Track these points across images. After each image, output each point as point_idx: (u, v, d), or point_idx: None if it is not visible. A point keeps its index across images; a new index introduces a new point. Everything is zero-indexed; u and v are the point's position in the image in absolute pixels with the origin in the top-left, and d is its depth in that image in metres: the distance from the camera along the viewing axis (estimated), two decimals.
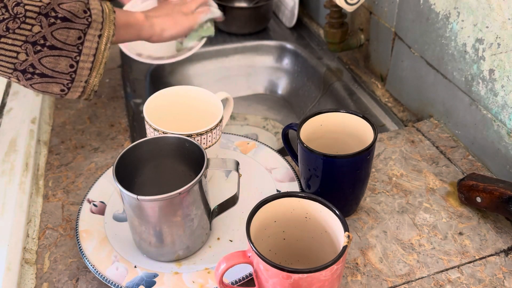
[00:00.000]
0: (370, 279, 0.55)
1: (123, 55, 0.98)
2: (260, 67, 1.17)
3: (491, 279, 0.54)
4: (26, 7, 0.58)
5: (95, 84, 0.66)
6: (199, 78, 1.14)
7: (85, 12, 0.62)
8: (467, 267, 0.56)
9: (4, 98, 0.85)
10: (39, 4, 0.59)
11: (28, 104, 0.82)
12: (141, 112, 0.91)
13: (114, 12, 0.67)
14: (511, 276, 0.54)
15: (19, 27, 0.58)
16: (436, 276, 0.55)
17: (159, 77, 1.07)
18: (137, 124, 0.88)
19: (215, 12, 0.83)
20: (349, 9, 0.84)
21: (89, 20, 0.62)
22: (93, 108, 0.86)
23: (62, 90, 0.64)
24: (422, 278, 0.55)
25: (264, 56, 1.17)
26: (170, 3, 0.78)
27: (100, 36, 0.64)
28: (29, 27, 0.59)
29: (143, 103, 0.93)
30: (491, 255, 0.57)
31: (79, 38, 0.62)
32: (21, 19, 0.58)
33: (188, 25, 0.79)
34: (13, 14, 0.58)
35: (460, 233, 0.60)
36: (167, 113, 0.64)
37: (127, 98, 0.91)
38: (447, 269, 0.56)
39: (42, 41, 0.60)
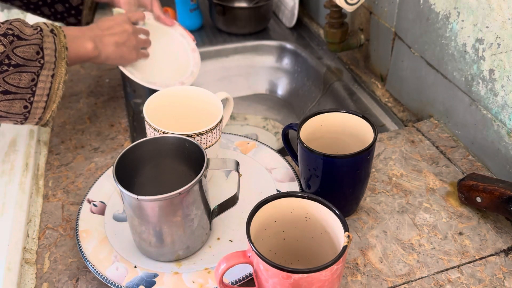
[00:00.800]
0: (370, 279, 0.55)
1: None
2: (260, 67, 1.17)
3: (491, 279, 0.54)
4: None
5: (48, 119, 0.68)
6: (199, 78, 1.13)
7: (38, 53, 0.63)
8: (467, 267, 0.56)
9: None
10: None
11: None
12: (141, 112, 0.91)
13: (67, 48, 0.67)
14: (511, 276, 0.54)
15: None
16: (436, 276, 0.55)
17: None
18: (137, 124, 0.88)
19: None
20: (349, 9, 0.84)
21: (42, 62, 0.64)
22: (93, 108, 0.86)
23: (15, 123, 0.66)
24: (422, 278, 0.55)
25: (264, 56, 1.17)
26: (125, 31, 0.77)
27: (53, 75, 0.65)
28: None
29: (143, 103, 0.93)
30: (491, 255, 0.57)
31: (32, 80, 0.63)
32: None
33: (132, 61, 0.79)
34: None
35: (460, 233, 0.60)
36: (167, 113, 0.64)
37: (127, 98, 0.91)
38: (447, 269, 0.56)
39: (6, 61, 0.60)
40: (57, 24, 0.70)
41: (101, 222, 0.60)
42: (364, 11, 0.93)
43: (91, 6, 0.87)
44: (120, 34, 0.76)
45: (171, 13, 1.19)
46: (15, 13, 1.14)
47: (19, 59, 0.61)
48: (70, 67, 0.71)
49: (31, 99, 0.64)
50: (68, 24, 0.87)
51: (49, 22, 0.69)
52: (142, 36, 0.81)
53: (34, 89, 0.64)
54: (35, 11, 0.84)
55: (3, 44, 0.60)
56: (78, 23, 0.86)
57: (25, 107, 0.64)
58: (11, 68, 0.61)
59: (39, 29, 0.65)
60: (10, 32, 0.61)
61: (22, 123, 0.66)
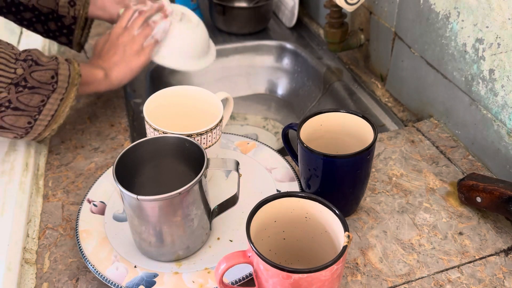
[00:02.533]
0: (370, 279, 0.55)
1: None
2: (260, 67, 1.17)
3: (491, 279, 0.54)
4: (0, 78, 0.62)
5: (46, 137, 0.71)
6: (199, 78, 1.14)
7: (52, 78, 0.67)
8: (467, 267, 0.56)
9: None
10: (13, 76, 0.63)
11: None
12: (141, 112, 0.91)
13: (80, 75, 0.70)
14: (511, 276, 0.54)
15: None
16: (436, 276, 0.55)
17: (159, 77, 1.07)
18: (137, 124, 0.88)
19: (161, 31, 0.82)
20: (349, 9, 0.84)
21: (55, 86, 0.67)
22: (93, 108, 0.86)
23: (15, 137, 0.68)
24: (422, 278, 0.55)
25: (264, 56, 1.17)
26: (120, 44, 0.78)
27: (62, 99, 0.68)
28: None
29: (143, 103, 0.93)
30: (491, 255, 0.57)
31: (42, 101, 0.66)
32: None
33: (141, 65, 0.79)
34: None
35: (460, 233, 0.60)
36: (167, 113, 0.64)
37: (127, 98, 0.91)
38: (447, 269, 0.56)
39: (7, 104, 0.63)
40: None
41: (101, 222, 0.60)
42: (364, 11, 0.93)
43: (84, 26, 0.87)
44: (115, 52, 0.78)
45: None
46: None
47: (35, 82, 0.65)
48: (82, 94, 0.74)
49: (36, 117, 0.67)
50: (60, 43, 0.88)
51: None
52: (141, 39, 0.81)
53: (41, 109, 0.67)
54: (29, 27, 0.84)
55: (22, 68, 0.64)
56: (69, 43, 0.87)
57: (29, 122, 0.67)
58: (26, 90, 0.64)
59: (54, 57, 0.69)
60: (29, 58, 0.65)
61: (21, 137, 0.68)
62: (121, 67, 0.78)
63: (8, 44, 0.66)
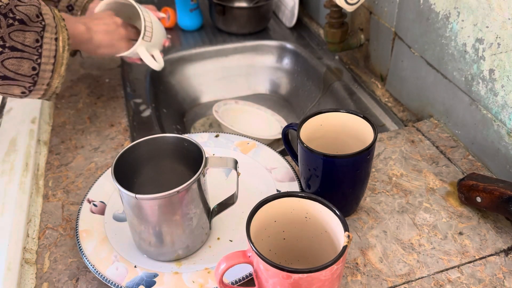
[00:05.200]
0: (370, 279, 0.55)
1: None
2: (260, 67, 1.17)
3: (491, 279, 0.54)
4: None
5: (57, 86, 0.68)
6: (199, 78, 1.14)
7: (38, 16, 0.65)
8: (467, 267, 0.56)
9: (4, 98, 0.85)
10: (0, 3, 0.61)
11: (28, 104, 0.82)
12: (141, 112, 0.91)
13: (63, 19, 0.69)
14: (511, 276, 0.54)
15: None
16: (436, 276, 0.55)
17: (159, 77, 1.07)
18: (137, 124, 0.88)
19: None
20: (349, 9, 0.84)
21: (43, 23, 0.65)
22: (93, 108, 0.86)
23: (23, 93, 0.66)
24: (422, 278, 0.55)
25: (264, 56, 1.17)
26: (114, 22, 0.78)
27: (56, 39, 0.66)
28: None
29: (143, 103, 0.93)
30: (491, 255, 0.57)
31: (37, 41, 0.64)
32: None
33: (122, 51, 0.80)
34: None
35: (460, 233, 0.60)
36: None
37: (127, 98, 0.91)
38: (447, 269, 0.56)
39: (1, 42, 0.61)
40: None
41: (101, 222, 0.60)
42: (364, 11, 0.93)
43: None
44: (109, 24, 0.78)
45: (171, 13, 1.20)
46: None
47: (22, 15, 0.62)
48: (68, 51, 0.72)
49: (39, 60, 0.65)
50: None
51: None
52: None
53: (40, 50, 0.64)
54: None
55: None
56: None
57: (33, 68, 0.64)
58: (17, 23, 0.62)
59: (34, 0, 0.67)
60: None
61: (30, 90, 0.66)
62: (104, 36, 0.77)
63: None
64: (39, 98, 0.69)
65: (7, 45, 0.62)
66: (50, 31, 0.66)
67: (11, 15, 0.62)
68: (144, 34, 0.80)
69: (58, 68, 0.67)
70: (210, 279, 0.53)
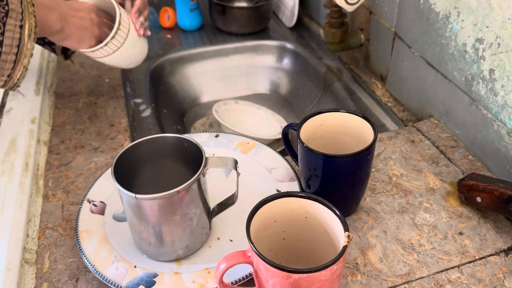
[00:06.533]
0: (370, 279, 0.55)
1: None
2: (260, 67, 1.17)
3: (491, 279, 0.54)
4: None
5: (19, 78, 0.63)
6: (199, 78, 1.14)
7: (1, 0, 0.58)
8: (467, 267, 0.56)
9: (4, 98, 0.85)
10: None
11: (28, 104, 0.82)
12: (141, 112, 0.91)
13: (33, 5, 0.63)
14: (511, 276, 0.54)
15: None
16: (436, 276, 0.55)
17: (159, 77, 1.07)
18: (137, 124, 0.88)
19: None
20: (349, 8, 0.84)
21: (6, 8, 0.59)
22: (93, 108, 0.86)
23: None
24: (422, 278, 0.55)
25: (264, 56, 1.17)
26: (92, 17, 0.74)
27: (21, 26, 0.60)
28: None
29: (143, 103, 0.93)
30: (491, 255, 0.57)
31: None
32: None
33: (90, 46, 0.75)
34: None
35: (460, 233, 0.60)
36: None
37: (127, 98, 0.91)
38: (447, 269, 0.56)
39: None
40: None
41: (101, 222, 0.60)
42: (364, 11, 0.93)
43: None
44: (85, 19, 0.73)
45: (171, 13, 1.20)
46: None
47: None
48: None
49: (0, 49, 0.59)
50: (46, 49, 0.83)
51: None
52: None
53: (1, 38, 0.59)
54: None
55: None
56: (53, 51, 0.84)
57: None
58: None
59: None
60: None
61: None
62: (78, 31, 0.72)
63: None
64: (2, 86, 0.63)
65: None
66: (14, 18, 0.59)
67: None
68: (109, 40, 0.75)
69: (21, 58, 0.61)
70: (210, 279, 0.53)
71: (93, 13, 0.76)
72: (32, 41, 0.62)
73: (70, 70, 0.97)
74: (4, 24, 0.59)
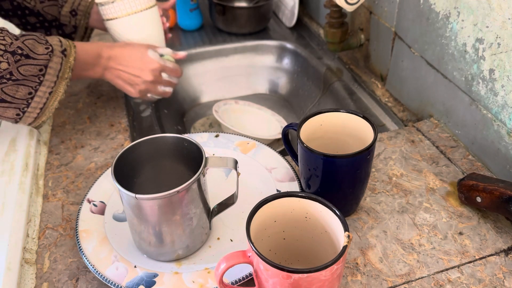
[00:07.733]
0: (370, 279, 0.55)
1: None
2: (260, 67, 1.17)
3: (491, 279, 0.54)
4: None
5: (40, 124, 0.70)
6: (199, 78, 1.14)
7: (40, 71, 0.66)
8: (467, 267, 0.56)
9: None
10: (4, 42, 0.62)
11: None
12: (141, 112, 0.91)
13: (72, 70, 0.70)
14: (511, 276, 0.54)
15: None
16: (436, 276, 0.55)
17: None
18: (137, 124, 0.88)
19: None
20: (349, 8, 0.84)
21: (41, 79, 0.67)
22: (93, 108, 0.86)
23: (6, 120, 0.68)
24: (422, 278, 0.55)
25: (264, 56, 1.17)
26: (144, 81, 0.78)
27: (51, 92, 0.68)
28: None
29: (143, 103, 0.93)
30: (491, 255, 0.57)
31: (30, 93, 0.67)
32: None
33: (130, 94, 0.80)
34: None
35: (460, 233, 0.60)
36: None
37: (127, 98, 0.91)
38: (447, 269, 0.56)
39: (8, 76, 0.63)
40: (73, 42, 0.71)
41: (101, 222, 0.60)
42: (364, 11, 0.93)
43: (83, 35, 0.88)
44: (133, 77, 0.77)
45: (171, 13, 1.19)
46: None
47: (20, 75, 0.64)
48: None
49: (25, 109, 0.67)
50: None
51: (65, 40, 0.70)
52: (164, 88, 0.82)
53: (30, 101, 0.67)
54: (33, 31, 0.84)
55: (7, 62, 0.63)
56: None
57: (17, 114, 0.67)
58: (10, 82, 0.64)
59: (50, 48, 0.67)
60: (19, 51, 0.64)
61: (13, 123, 0.70)
62: (121, 83, 0.78)
63: (2, 31, 0.64)
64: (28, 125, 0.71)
65: (13, 78, 0.63)
66: (47, 86, 0.67)
67: (7, 76, 0.63)
68: None
69: (42, 117, 0.69)
70: (210, 279, 0.53)
71: (151, 75, 0.78)
72: (55, 106, 0.70)
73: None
74: (36, 90, 0.67)
